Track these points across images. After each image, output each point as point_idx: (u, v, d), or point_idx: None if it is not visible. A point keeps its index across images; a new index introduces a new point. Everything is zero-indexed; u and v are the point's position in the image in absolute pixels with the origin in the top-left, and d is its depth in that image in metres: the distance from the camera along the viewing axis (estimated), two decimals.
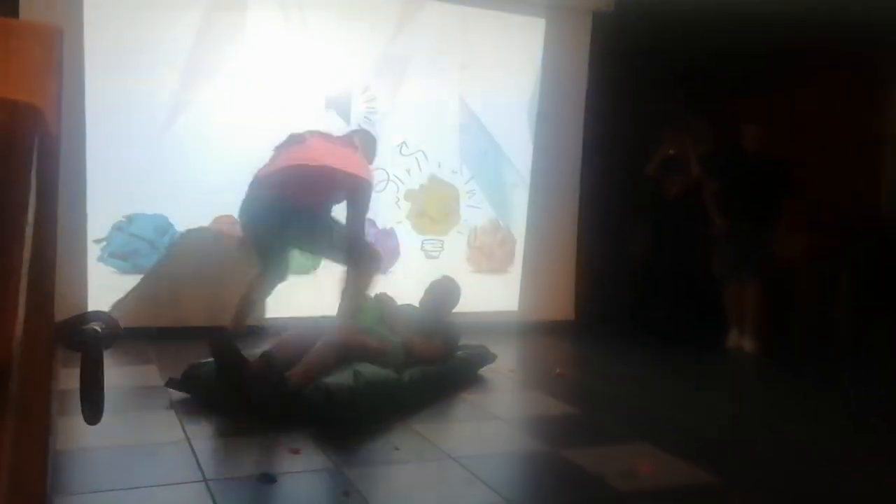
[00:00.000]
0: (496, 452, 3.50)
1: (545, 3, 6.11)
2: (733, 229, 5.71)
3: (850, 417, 4.24)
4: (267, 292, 4.22)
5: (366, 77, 5.69)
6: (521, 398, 4.52)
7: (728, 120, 6.02)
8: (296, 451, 3.21)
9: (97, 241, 5.11)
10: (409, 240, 5.90)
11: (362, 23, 5.65)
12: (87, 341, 1.09)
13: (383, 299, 4.49)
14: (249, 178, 4.06)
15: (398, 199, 5.84)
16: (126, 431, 3.37)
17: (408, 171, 5.85)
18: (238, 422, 3.54)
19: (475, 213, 6.10)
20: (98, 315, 1.17)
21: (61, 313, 1.13)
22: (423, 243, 5.95)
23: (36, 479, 1.01)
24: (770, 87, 6.29)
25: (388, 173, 5.77)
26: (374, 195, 5.35)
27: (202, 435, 3.42)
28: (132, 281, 5.20)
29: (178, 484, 2.90)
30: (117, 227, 5.15)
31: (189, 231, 5.30)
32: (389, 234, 5.81)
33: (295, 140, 4.11)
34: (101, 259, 5.13)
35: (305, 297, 4.89)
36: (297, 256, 4.45)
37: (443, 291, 4.57)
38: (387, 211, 5.78)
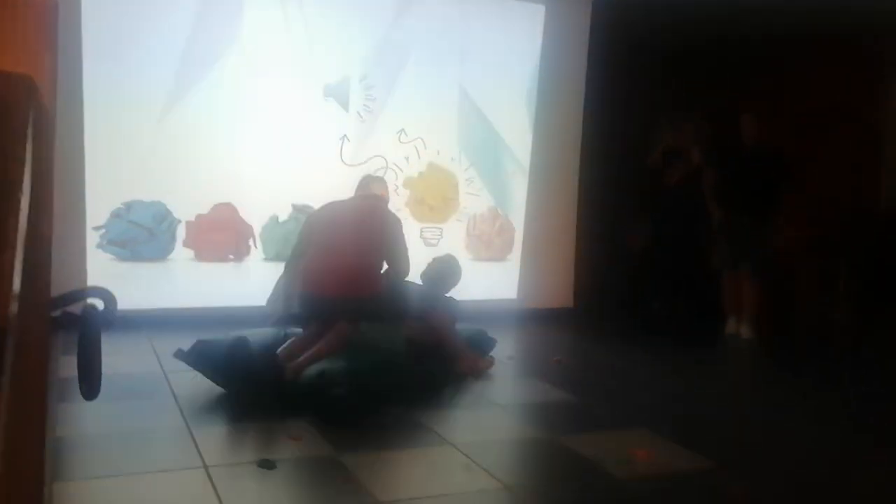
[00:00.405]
0: (495, 439, 3.51)
1: None
2: (732, 220, 5.70)
3: (846, 406, 4.24)
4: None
5: (364, 65, 5.67)
6: (519, 385, 4.53)
7: (728, 110, 6.00)
8: (296, 439, 3.22)
9: (96, 229, 5.10)
10: (407, 227, 5.87)
11: (361, 10, 5.62)
12: (85, 316, 1.08)
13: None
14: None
15: (397, 187, 5.82)
16: (125, 418, 3.38)
17: (406, 159, 5.84)
18: (238, 408, 3.55)
19: (474, 200, 6.09)
20: (96, 291, 1.16)
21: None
22: (421, 231, 5.94)
23: (33, 456, 1.01)
24: (771, 76, 6.27)
25: (386, 161, 5.76)
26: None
27: (201, 422, 3.42)
28: (131, 268, 5.20)
29: (177, 470, 2.91)
30: (116, 214, 5.15)
31: None
32: None
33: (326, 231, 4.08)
34: (99, 246, 5.12)
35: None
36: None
37: (445, 267, 4.60)
38: None
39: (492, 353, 4.67)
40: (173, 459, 3.00)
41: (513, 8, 6.05)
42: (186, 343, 3.90)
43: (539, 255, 6.26)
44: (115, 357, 4.12)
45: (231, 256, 5.47)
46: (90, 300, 1.19)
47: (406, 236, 4.26)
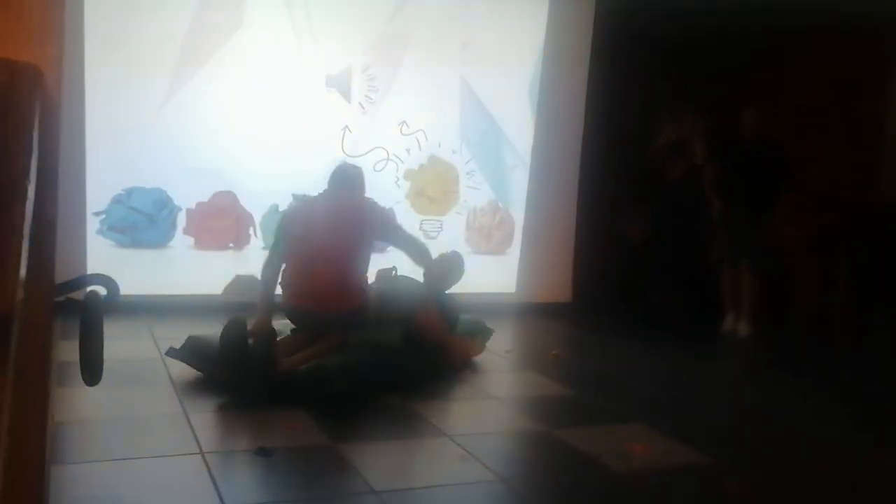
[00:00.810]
0: (491, 431, 3.53)
1: None
2: (732, 214, 5.71)
3: (844, 401, 4.27)
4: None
5: (367, 55, 5.67)
6: (516, 378, 4.55)
7: (729, 103, 6.00)
8: (292, 427, 3.23)
9: (97, 214, 5.11)
10: (407, 220, 5.88)
11: (363, 0, 5.61)
12: (88, 303, 1.09)
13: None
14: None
15: (397, 179, 5.83)
16: (124, 403, 3.39)
17: (407, 151, 5.84)
18: (234, 396, 3.56)
19: (474, 193, 6.09)
20: (99, 278, 1.17)
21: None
22: (421, 223, 5.95)
23: (36, 439, 1.02)
24: (773, 70, 6.26)
25: (387, 152, 5.76)
26: (373, 174, 5.38)
27: (199, 408, 3.43)
28: (131, 255, 5.21)
29: (174, 456, 2.92)
30: (116, 200, 5.16)
31: None
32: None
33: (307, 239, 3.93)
34: (100, 232, 5.13)
35: None
36: None
37: (450, 263, 4.60)
38: (386, 190, 5.76)
39: (489, 347, 4.68)
40: (170, 445, 3.02)
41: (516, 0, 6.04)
42: (184, 331, 3.91)
43: (538, 248, 6.27)
44: (114, 343, 4.13)
45: (231, 244, 5.48)
46: (93, 287, 1.20)
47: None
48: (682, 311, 6.00)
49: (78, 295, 1.21)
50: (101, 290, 1.21)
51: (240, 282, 5.18)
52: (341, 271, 3.88)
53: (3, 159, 0.78)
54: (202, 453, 2.92)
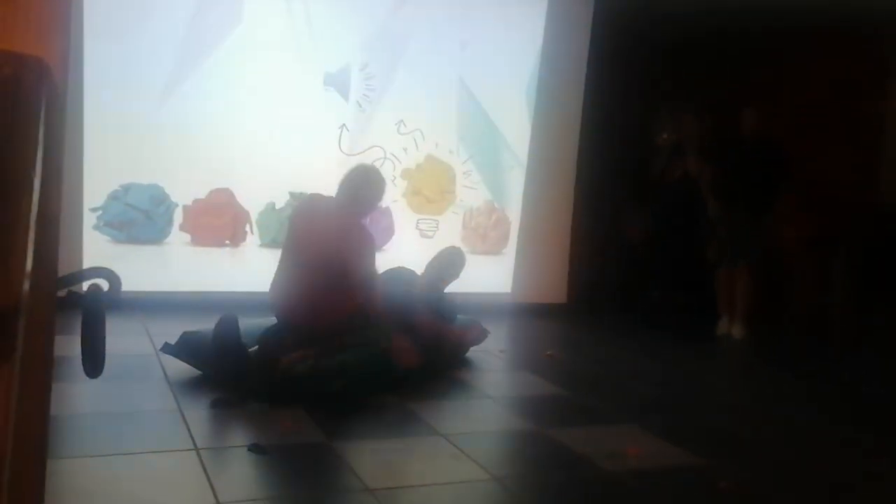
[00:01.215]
0: (485, 430, 3.54)
1: None
2: (731, 214, 5.72)
3: (844, 401, 4.29)
4: None
5: (365, 54, 5.67)
6: (510, 378, 4.56)
7: (729, 103, 6.01)
8: (287, 425, 3.24)
9: (93, 210, 5.10)
10: (403, 218, 5.90)
11: None
12: (90, 296, 1.10)
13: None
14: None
15: (394, 178, 5.83)
16: (118, 399, 3.39)
17: (405, 150, 5.84)
18: (229, 393, 3.56)
19: (471, 193, 6.10)
20: (102, 272, 1.18)
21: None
22: (417, 222, 5.96)
23: (38, 434, 1.02)
24: (773, 70, 6.27)
25: (384, 151, 5.76)
26: None
27: (194, 405, 3.43)
28: (127, 251, 5.20)
29: (169, 451, 2.93)
30: (113, 196, 5.14)
31: None
32: (384, 212, 5.80)
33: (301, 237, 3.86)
34: (96, 227, 5.11)
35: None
36: None
37: (450, 259, 4.60)
38: None
39: (484, 346, 4.68)
40: (164, 440, 3.02)
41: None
42: (179, 327, 3.91)
43: (534, 249, 6.28)
44: (109, 338, 4.12)
45: (227, 241, 5.47)
46: (95, 280, 1.20)
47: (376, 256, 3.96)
48: (677, 312, 6.01)
49: (79, 288, 1.21)
50: (103, 284, 1.21)
51: None
52: (329, 285, 3.71)
53: (10, 153, 0.78)
54: (196, 449, 2.92)
